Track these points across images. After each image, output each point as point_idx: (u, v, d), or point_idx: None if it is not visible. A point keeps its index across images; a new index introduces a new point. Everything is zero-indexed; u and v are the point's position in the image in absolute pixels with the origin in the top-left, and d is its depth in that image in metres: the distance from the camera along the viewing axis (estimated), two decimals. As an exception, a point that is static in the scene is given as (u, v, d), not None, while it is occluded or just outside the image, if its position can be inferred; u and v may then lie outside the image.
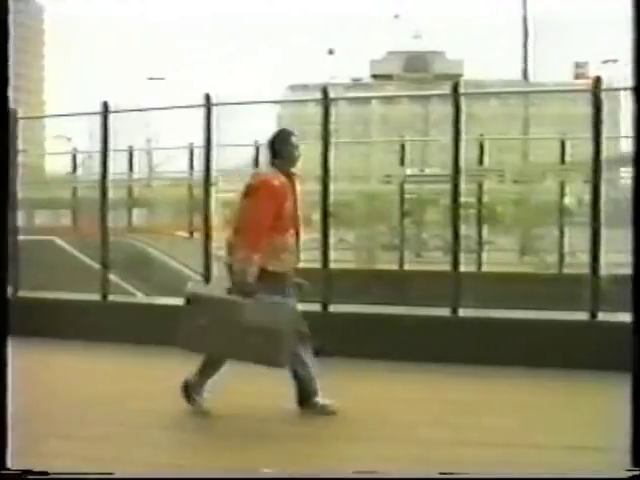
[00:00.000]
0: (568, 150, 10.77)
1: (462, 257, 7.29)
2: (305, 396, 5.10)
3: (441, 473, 3.67)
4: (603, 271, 6.84)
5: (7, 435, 2.80)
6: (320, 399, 5.09)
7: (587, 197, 7.46)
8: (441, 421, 5.03)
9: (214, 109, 7.83)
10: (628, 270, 2.89)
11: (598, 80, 7.05)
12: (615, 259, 12.67)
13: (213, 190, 7.90)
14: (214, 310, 4.97)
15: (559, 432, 4.73)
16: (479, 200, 10.71)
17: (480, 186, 10.58)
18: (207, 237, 7.80)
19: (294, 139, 5.20)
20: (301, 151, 5.23)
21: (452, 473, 3.70)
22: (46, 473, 3.07)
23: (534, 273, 10.57)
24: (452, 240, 7.34)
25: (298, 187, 5.20)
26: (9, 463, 2.85)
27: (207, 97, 7.82)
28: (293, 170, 5.18)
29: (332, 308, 7.28)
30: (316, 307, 7.04)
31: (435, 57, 75.58)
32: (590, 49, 68.13)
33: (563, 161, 10.79)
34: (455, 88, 7.46)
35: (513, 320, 6.95)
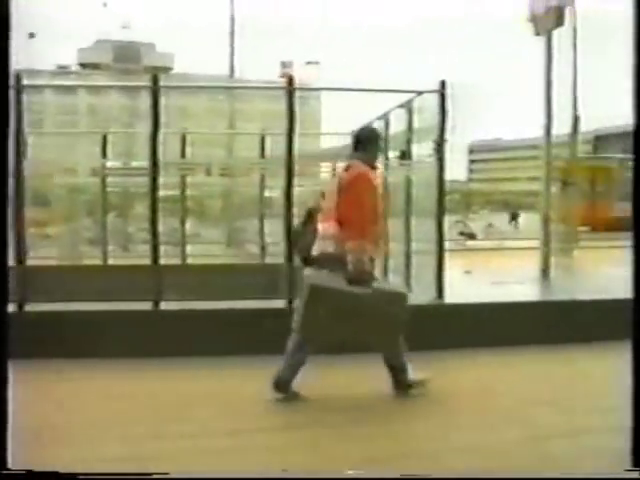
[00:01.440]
0: (269, 145, 11.17)
1: (169, 250, 7.25)
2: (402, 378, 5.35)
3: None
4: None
5: (7, 435, 2.82)
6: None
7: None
8: (140, 417, 5.00)
9: None
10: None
11: (291, 79, 7.39)
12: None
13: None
14: (336, 300, 5.09)
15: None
16: (183, 193, 10.75)
17: (184, 179, 10.61)
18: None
19: (380, 137, 5.77)
20: None
21: (452, 473, 3.80)
22: (47, 473, 3.05)
23: (238, 264, 10.83)
24: (151, 233, 7.28)
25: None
26: (9, 463, 2.87)
27: None
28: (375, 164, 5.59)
29: (28, 307, 6.92)
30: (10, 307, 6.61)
31: (146, 49, 74.74)
32: (297, 50, 71.52)
33: (263, 155, 11.18)
34: (154, 81, 7.39)
35: (214, 311, 7.03)
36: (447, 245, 8.11)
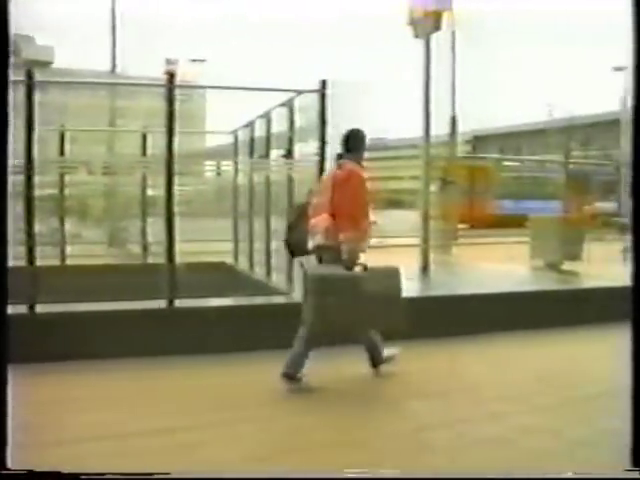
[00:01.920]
0: (150, 143, 11.00)
1: (47, 251, 7.01)
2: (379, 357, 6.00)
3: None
4: (179, 259, 7.12)
5: (7, 435, 2.87)
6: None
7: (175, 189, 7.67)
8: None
9: None
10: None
11: (171, 75, 7.30)
12: (207, 247, 13.25)
13: None
14: (343, 287, 5.43)
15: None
16: (61, 192, 10.43)
17: (62, 178, 10.30)
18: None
19: (365, 138, 6.10)
20: None
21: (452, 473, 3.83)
22: (47, 473, 3.09)
23: (118, 264, 10.62)
24: (27, 234, 7.04)
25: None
26: (9, 463, 2.91)
27: None
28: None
29: None
30: None
31: (24, 41, 72.02)
32: (184, 47, 70.78)
33: (145, 154, 11.00)
34: (29, 75, 7.15)
35: (93, 313, 6.86)
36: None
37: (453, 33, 29.76)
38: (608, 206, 35.84)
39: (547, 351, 7.21)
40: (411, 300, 8.23)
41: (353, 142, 6.00)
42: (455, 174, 22.57)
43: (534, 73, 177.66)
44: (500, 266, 8.72)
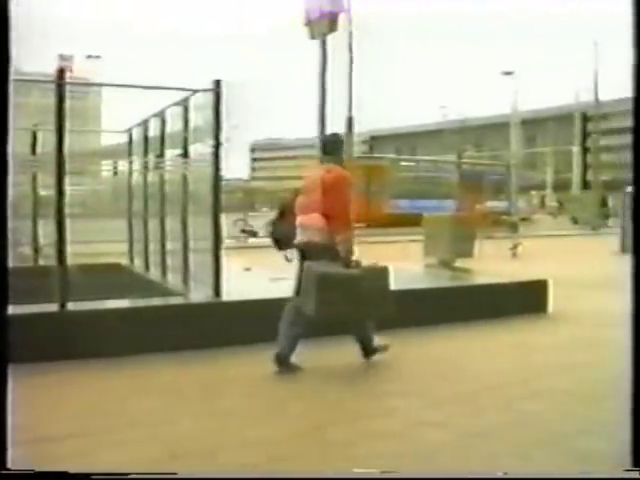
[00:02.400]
0: (41, 141, 10.69)
1: None
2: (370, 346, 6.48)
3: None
4: (73, 261, 6.94)
5: (7, 435, 2.84)
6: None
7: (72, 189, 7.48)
8: None
9: None
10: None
11: (61, 72, 7.10)
12: (101, 249, 12.90)
13: None
14: (341, 282, 5.96)
15: None
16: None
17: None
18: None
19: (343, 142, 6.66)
20: None
21: (452, 473, 3.83)
22: (48, 473, 3.07)
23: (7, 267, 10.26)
24: None
25: None
26: (9, 463, 2.89)
27: None
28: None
29: None
30: None
31: None
32: (80, 45, 68.99)
33: (34, 152, 10.68)
34: None
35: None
36: (228, 243, 8.18)
37: (350, 34, 30.23)
38: (499, 205, 37.04)
39: (438, 347, 7.39)
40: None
41: (333, 146, 6.46)
42: (351, 174, 22.80)
43: (430, 75, 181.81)
44: (394, 264, 8.89)
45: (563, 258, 19.15)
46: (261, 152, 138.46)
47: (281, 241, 6.59)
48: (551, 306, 9.41)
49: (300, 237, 6.29)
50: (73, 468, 3.40)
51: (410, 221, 20.31)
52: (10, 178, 3.07)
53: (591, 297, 10.94)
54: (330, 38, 11.12)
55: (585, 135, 72.71)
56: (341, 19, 11.54)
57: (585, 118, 68.16)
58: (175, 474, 3.54)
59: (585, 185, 62.66)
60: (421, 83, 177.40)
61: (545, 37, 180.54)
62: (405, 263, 11.84)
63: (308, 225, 6.20)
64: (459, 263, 12.79)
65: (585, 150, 70.75)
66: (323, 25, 10.89)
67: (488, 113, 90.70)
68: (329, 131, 11.18)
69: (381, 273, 6.31)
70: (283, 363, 6.08)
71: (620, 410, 5.13)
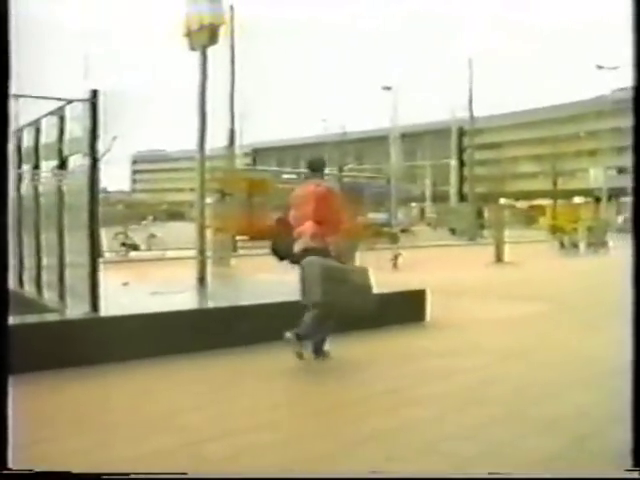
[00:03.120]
0: None
1: None
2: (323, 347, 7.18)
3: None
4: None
5: (7, 435, 2.86)
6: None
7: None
8: None
9: None
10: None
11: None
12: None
13: None
14: (338, 273, 6.88)
15: None
16: None
17: None
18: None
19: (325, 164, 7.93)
20: None
21: (452, 473, 3.91)
22: (48, 473, 3.11)
23: None
24: None
25: None
26: (10, 463, 2.91)
27: None
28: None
29: None
30: None
31: None
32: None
33: None
34: None
35: None
36: (108, 256, 8.01)
37: (232, 47, 30.22)
38: (379, 217, 37.76)
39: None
40: (187, 313, 8.27)
41: (317, 165, 7.61)
42: (233, 186, 22.77)
43: (313, 88, 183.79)
44: (276, 277, 8.94)
45: (441, 267, 19.73)
46: (143, 164, 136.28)
47: (280, 252, 7.42)
48: (429, 315, 9.67)
49: (298, 246, 7.11)
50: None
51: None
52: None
53: (467, 305, 11.31)
54: (211, 50, 11.06)
55: (461, 149, 75.20)
56: (222, 31, 11.49)
57: (461, 133, 70.49)
58: (185, 474, 3.59)
59: (462, 197, 64.72)
60: (304, 96, 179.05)
61: (422, 54, 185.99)
62: (286, 275, 11.89)
63: (303, 234, 7.10)
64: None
65: (462, 163, 73.15)
66: (203, 37, 10.83)
67: (368, 127, 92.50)
68: (214, 143, 11.19)
69: (366, 272, 7.19)
70: (319, 353, 7.10)
71: (491, 415, 5.34)
